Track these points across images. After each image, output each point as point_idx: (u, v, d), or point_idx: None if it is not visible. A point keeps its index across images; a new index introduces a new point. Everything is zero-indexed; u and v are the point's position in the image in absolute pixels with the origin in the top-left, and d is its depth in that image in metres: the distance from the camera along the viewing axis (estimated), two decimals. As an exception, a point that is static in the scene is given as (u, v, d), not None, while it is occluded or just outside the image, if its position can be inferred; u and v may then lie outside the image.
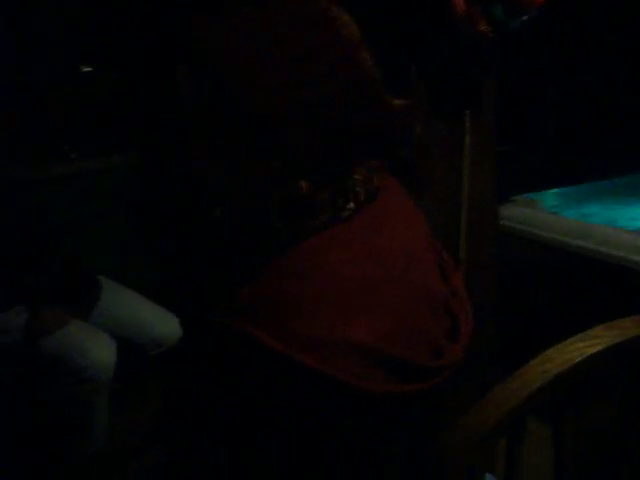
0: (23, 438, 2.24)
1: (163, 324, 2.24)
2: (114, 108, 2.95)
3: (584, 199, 2.66)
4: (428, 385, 0.90)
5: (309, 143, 0.90)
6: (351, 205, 0.91)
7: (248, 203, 0.91)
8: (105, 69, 3.06)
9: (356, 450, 0.88)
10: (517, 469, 0.78)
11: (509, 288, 1.99)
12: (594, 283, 2.14)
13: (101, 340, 2.12)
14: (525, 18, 1.58)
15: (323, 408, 0.86)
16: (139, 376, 2.29)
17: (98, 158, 2.75)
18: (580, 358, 0.75)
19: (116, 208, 2.60)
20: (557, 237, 2.23)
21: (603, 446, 0.90)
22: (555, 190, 2.55)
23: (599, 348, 0.73)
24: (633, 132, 2.86)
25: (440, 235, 1.78)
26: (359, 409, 0.87)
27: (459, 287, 1.03)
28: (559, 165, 2.62)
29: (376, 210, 0.95)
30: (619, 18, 2.95)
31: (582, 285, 2.15)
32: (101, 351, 2.08)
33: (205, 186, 0.92)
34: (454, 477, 0.69)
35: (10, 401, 2.20)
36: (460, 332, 0.97)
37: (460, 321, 0.98)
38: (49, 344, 2.10)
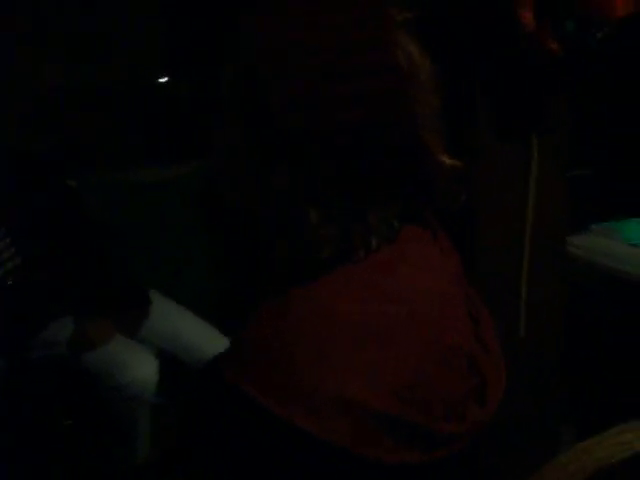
0: (64, 448, 2.24)
1: (210, 343, 2.17)
2: (188, 117, 2.97)
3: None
4: (446, 453, 0.78)
5: (331, 168, 0.79)
6: (361, 253, 0.80)
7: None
8: (181, 79, 3.09)
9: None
10: None
11: (579, 329, 1.83)
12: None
13: (144, 358, 2.08)
14: (601, 34, 1.43)
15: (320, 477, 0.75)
16: (182, 392, 2.23)
17: (170, 167, 2.73)
18: (626, 453, 0.61)
19: (178, 221, 2.56)
20: (635, 271, 2.05)
21: None
22: (638, 219, 2.35)
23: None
24: None
25: (499, 273, 1.67)
26: None
27: (491, 341, 0.91)
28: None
29: (393, 253, 0.84)
30: None
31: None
32: (143, 369, 2.04)
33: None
34: None
35: (53, 412, 2.19)
36: (488, 394, 0.85)
37: (489, 381, 0.86)
38: (92, 359, 2.07)
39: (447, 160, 0.85)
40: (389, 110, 0.79)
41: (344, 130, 0.79)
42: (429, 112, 0.82)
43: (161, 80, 3.14)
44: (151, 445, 2.18)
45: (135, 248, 2.46)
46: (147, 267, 2.46)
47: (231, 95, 0.84)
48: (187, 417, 0.87)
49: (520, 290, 1.67)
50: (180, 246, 2.63)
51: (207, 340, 2.19)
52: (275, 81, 0.79)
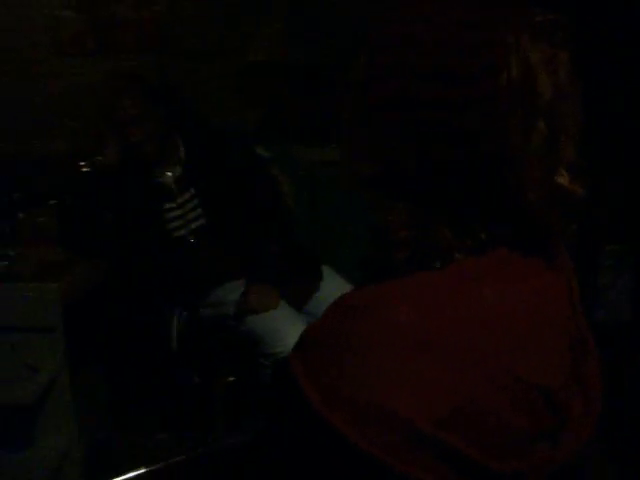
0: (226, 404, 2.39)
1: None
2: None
3: None
4: None
5: (415, 171, 0.78)
6: (437, 263, 0.77)
7: None
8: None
9: None
10: None
11: None
12: None
13: (301, 330, 2.14)
14: None
15: None
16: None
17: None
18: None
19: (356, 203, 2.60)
20: None
21: None
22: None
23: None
24: None
25: None
26: None
27: (590, 379, 0.84)
28: None
29: (477, 267, 0.80)
30: None
31: None
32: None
33: None
34: None
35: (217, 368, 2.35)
36: (565, 434, 0.78)
37: (571, 421, 0.79)
38: (253, 322, 2.18)
39: (563, 183, 0.79)
40: (481, 117, 0.75)
41: (433, 137, 0.76)
42: (543, 132, 0.77)
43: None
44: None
45: (305, 223, 2.54)
46: (315, 243, 2.53)
47: (351, 83, 0.85)
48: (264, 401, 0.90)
49: None
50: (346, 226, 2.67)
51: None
52: (383, 73, 0.79)
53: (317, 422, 0.73)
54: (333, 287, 2.31)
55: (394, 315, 0.75)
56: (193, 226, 2.32)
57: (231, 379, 2.37)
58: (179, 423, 2.48)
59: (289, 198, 2.60)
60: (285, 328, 2.13)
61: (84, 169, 2.46)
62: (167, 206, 2.28)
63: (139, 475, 1.17)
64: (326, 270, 2.39)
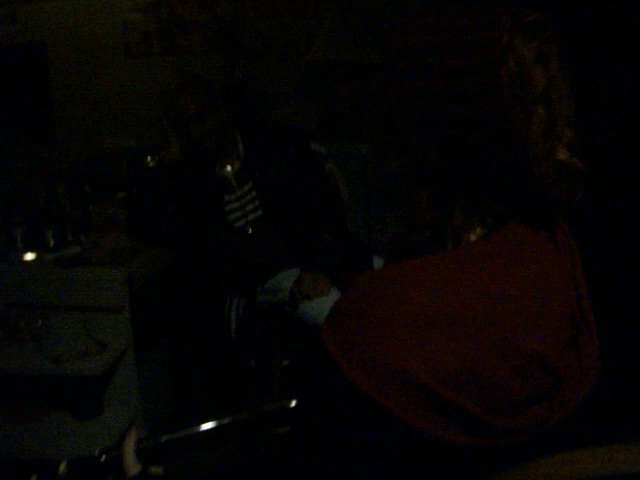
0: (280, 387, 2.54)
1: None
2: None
3: None
4: (493, 444, 0.86)
5: (434, 158, 0.92)
6: (449, 245, 0.90)
7: None
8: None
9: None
10: None
11: None
12: None
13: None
14: None
15: (373, 439, 0.88)
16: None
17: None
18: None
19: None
20: None
21: None
22: None
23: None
24: None
25: None
26: (410, 451, 0.87)
27: (587, 349, 0.95)
28: None
29: (487, 248, 0.92)
30: None
31: None
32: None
33: None
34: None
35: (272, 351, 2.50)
36: (558, 398, 0.90)
37: (565, 386, 0.91)
38: (307, 308, 2.34)
39: (563, 158, 0.91)
40: (487, 107, 0.88)
41: (448, 127, 0.89)
42: (541, 117, 0.89)
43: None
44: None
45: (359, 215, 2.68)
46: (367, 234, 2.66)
47: (375, 85, 0.99)
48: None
49: None
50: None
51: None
52: (403, 75, 0.93)
53: (342, 381, 0.87)
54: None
55: (409, 293, 0.89)
56: (251, 217, 2.49)
57: (286, 363, 2.52)
58: (237, 405, 2.65)
59: (343, 192, 2.74)
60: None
61: (150, 164, 2.66)
62: (227, 198, 2.46)
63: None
64: (376, 259, 2.53)
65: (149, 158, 2.66)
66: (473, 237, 0.92)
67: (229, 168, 2.48)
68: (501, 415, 0.86)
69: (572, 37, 0.93)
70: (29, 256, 2.08)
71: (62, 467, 1.18)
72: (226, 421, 1.26)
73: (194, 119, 2.35)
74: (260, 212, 2.48)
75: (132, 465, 1.15)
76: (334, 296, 2.38)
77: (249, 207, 2.49)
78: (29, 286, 2.04)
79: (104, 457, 1.17)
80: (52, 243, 2.13)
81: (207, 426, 1.21)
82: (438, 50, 0.91)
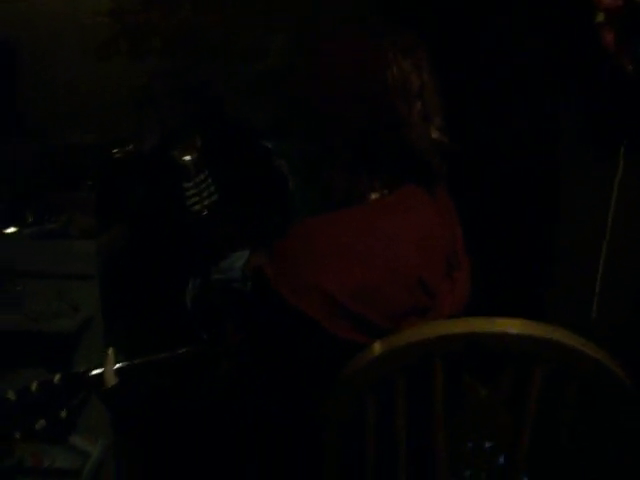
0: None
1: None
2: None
3: None
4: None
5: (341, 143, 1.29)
6: (373, 196, 1.28)
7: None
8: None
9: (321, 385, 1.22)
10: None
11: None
12: None
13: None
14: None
15: (297, 340, 1.23)
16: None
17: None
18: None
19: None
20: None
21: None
22: None
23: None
24: None
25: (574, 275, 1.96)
26: (327, 349, 1.21)
27: (459, 282, 1.33)
28: None
29: (387, 202, 1.30)
30: None
31: None
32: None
33: None
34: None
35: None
36: (431, 312, 1.26)
37: (438, 304, 1.28)
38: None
39: (435, 136, 1.29)
40: (380, 102, 1.26)
41: (354, 119, 1.27)
42: (419, 107, 1.28)
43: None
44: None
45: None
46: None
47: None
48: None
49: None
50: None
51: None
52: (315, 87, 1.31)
53: (276, 298, 1.22)
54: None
55: (325, 232, 1.25)
56: (207, 202, 2.83)
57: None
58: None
59: (289, 182, 3.11)
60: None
61: (117, 155, 3.00)
62: (185, 185, 2.81)
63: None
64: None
65: (115, 150, 3.00)
66: (374, 197, 1.30)
67: (188, 157, 2.83)
68: (389, 320, 1.23)
69: (442, 49, 1.32)
70: (10, 229, 2.40)
71: (57, 377, 1.53)
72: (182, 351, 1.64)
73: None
74: (215, 197, 2.83)
75: (111, 378, 1.51)
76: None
77: (205, 193, 2.84)
78: (10, 256, 2.36)
79: (89, 373, 1.53)
80: (30, 219, 2.45)
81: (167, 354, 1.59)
82: (344, 65, 1.29)
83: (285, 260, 1.25)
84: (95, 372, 1.52)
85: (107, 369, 1.52)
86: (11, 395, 1.49)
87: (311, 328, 1.20)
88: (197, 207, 2.95)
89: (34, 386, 1.51)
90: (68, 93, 3.95)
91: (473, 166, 1.57)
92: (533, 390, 1.06)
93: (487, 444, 1.14)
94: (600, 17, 1.79)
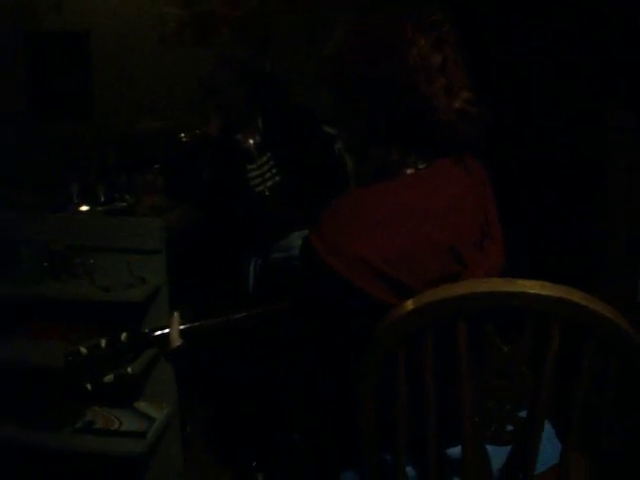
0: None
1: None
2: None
3: None
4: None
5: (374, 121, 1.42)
6: (409, 170, 1.40)
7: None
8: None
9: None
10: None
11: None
12: None
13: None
14: None
15: (343, 304, 1.35)
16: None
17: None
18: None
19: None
20: None
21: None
22: None
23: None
24: None
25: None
26: (368, 313, 1.34)
27: (490, 249, 1.44)
28: None
29: (421, 176, 1.41)
30: None
31: None
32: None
33: None
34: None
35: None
36: (461, 279, 1.37)
37: (468, 272, 1.38)
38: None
39: (459, 106, 1.40)
40: (405, 78, 1.37)
41: (382, 97, 1.38)
42: (442, 83, 1.38)
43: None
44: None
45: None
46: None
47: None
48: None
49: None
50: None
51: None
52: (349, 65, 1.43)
53: (322, 265, 1.35)
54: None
55: (365, 205, 1.37)
56: (269, 184, 2.99)
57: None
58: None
59: (348, 167, 3.23)
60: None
61: (184, 139, 3.17)
62: (249, 167, 2.97)
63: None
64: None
65: (182, 134, 3.18)
66: (409, 171, 1.42)
67: (251, 141, 2.99)
68: (424, 286, 1.35)
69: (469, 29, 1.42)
70: (84, 207, 2.60)
71: (123, 336, 1.69)
72: (241, 315, 1.78)
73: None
74: (277, 179, 2.99)
75: (176, 339, 1.67)
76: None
77: (267, 175, 2.99)
78: (84, 231, 2.56)
79: (155, 333, 1.69)
80: (103, 198, 2.65)
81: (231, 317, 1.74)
82: (367, 49, 1.40)
83: (330, 231, 1.37)
84: (160, 332, 1.69)
85: (172, 330, 1.67)
86: (83, 349, 1.66)
87: (354, 293, 1.33)
88: (260, 188, 3.12)
89: (103, 342, 1.68)
90: (138, 81, 4.17)
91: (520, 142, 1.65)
92: (552, 346, 1.17)
93: (509, 400, 1.25)
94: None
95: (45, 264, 2.51)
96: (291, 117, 3.04)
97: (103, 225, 2.57)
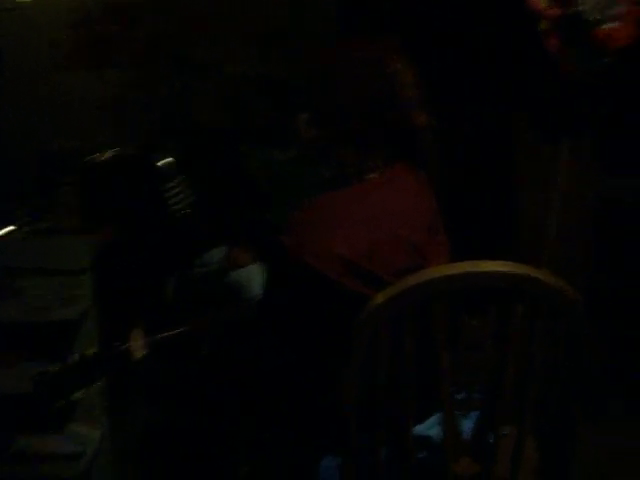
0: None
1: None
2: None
3: None
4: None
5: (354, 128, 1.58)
6: (355, 180, 1.56)
7: None
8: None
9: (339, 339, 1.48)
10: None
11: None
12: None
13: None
14: (607, 61, 2.08)
15: (319, 299, 1.49)
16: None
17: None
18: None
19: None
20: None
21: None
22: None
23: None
24: None
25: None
26: (341, 303, 1.48)
27: (442, 245, 1.63)
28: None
29: (380, 180, 1.59)
30: None
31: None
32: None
33: None
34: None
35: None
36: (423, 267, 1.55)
37: (427, 263, 1.56)
38: (236, 275, 2.96)
39: (424, 120, 1.59)
40: (385, 97, 1.55)
41: (358, 114, 1.55)
42: (411, 96, 1.57)
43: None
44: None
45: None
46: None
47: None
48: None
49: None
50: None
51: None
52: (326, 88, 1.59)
53: (296, 262, 1.49)
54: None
55: (335, 205, 1.54)
56: (185, 202, 3.09)
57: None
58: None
59: (262, 184, 3.38)
60: (258, 278, 2.90)
61: (97, 159, 3.22)
62: (165, 186, 3.06)
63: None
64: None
65: (97, 154, 3.22)
66: (372, 175, 1.59)
67: (166, 160, 3.08)
68: (393, 277, 1.51)
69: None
70: (7, 228, 2.61)
71: (91, 351, 1.77)
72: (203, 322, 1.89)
73: None
74: (192, 198, 3.10)
75: (139, 351, 1.76)
76: (256, 266, 3.01)
77: (183, 194, 3.09)
78: (10, 252, 2.57)
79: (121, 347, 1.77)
80: (25, 219, 2.67)
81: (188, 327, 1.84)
82: (355, 67, 1.58)
83: (302, 230, 1.52)
84: (124, 346, 1.78)
85: (135, 343, 1.77)
86: (52, 369, 1.73)
87: (328, 286, 1.47)
88: (176, 207, 3.20)
89: (73, 360, 1.75)
90: (42, 104, 4.12)
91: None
92: (515, 319, 1.37)
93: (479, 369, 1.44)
94: (544, 24, 2.14)
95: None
96: (206, 136, 3.16)
97: (29, 246, 2.59)
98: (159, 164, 3.06)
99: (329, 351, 1.52)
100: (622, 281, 2.76)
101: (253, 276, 2.96)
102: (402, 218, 1.57)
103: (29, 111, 3.95)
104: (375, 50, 1.58)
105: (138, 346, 1.77)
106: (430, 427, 1.55)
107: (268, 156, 3.68)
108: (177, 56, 3.95)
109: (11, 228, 2.64)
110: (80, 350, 2.56)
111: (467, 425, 1.49)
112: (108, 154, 3.06)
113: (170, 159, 3.08)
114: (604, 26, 1.99)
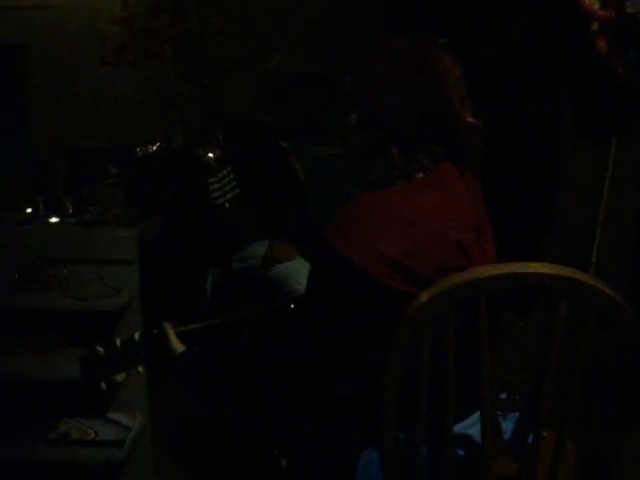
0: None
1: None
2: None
3: None
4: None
5: (403, 128, 1.59)
6: (420, 175, 1.58)
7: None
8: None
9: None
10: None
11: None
12: None
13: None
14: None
15: (362, 297, 1.51)
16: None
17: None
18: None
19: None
20: None
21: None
22: None
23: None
24: None
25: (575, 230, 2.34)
26: (384, 301, 1.50)
27: (488, 247, 1.64)
28: None
29: (428, 180, 1.60)
30: None
31: None
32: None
33: None
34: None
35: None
36: (468, 267, 1.57)
37: (472, 264, 1.57)
38: (277, 270, 3.00)
39: (470, 120, 1.60)
40: (433, 96, 1.57)
41: (407, 109, 1.57)
42: (458, 95, 1.58)
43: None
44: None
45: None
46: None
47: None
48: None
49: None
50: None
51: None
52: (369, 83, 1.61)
53: (341, 260, 1.51)
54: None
55: (382, 205, 1.55)
56: (229, 196, 3.14)
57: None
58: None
59: (303, 180, 3.42)
60: (300, 272, 2.93)
61: (139, 154, 3.29)
62: (209, 180, 3.11)
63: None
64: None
65: (138, 149, 3.30)
66: (419, 175, 1.60)
67: (211, 155, 3.13)
68: (436, 275, 1.53)
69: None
70: (53, 219, 2.67)
71: (137, 335, 1.81)
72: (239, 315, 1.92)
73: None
74: (237, 191, 3.14)
75: (178, 346, 1.79)
76: (298, 260, 3.05)
77: (227, 187, 3.14)
78: (56, 243, 2.63)
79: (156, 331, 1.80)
80: (71, 210, 2.73)
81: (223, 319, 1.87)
82: (403, 62, 1.59)
83: (348, 229, 1.54)
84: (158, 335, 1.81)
85: (171, 339, 1.81)
86: (99, 349, 1.77)
87: (371, 283, 1.49)
88: (220, 201, 3.25)
89: (118, 342, 1.79)
90: (81, 98, 4.22)
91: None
92: (559, 319, 1.38)
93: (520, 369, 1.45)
94: (594, 26, 2.13)
95: (16, 276, 2.57)
96: (250, 131, 3.20)
97: (76, 236, 2.65)
98: (204, 158, 3.12)
99: (370, 348, 1.54)
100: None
101: (294, 271, 3.01)
102: (448, 218, 1.58)
103: (70, 106, 4.04)
104: (422, 48, 1.59)
105: (174, 342, 1.80)
106: (470, 426, 1.57)
107: (310, 152, 3.74)
108: (222, 52, 4.01)
109: (55, 219, 2.71)
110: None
111: (506, 426, 1.50)
112: (155, 147, 3.13)
113: (215, 153, 3.14)
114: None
